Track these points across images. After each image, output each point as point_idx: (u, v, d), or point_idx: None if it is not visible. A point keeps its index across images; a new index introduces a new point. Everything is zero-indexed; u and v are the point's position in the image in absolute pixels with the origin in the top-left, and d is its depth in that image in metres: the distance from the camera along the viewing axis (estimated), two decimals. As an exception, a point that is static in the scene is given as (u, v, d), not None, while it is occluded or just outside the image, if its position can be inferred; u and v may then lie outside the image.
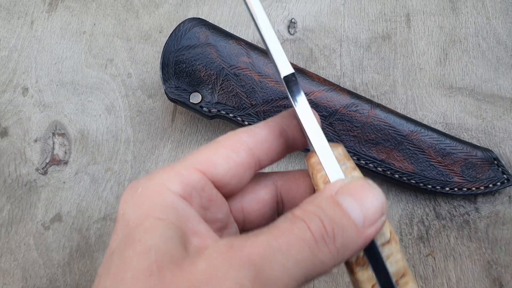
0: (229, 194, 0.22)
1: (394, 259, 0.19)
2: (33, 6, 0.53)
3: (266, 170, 0.25)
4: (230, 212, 0.23)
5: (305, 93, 0.40)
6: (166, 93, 0.41)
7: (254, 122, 0.41)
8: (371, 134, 0.40)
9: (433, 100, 0.45)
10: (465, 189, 0.40)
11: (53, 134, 0.47)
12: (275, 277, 0.16)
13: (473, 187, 0.40)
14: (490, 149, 0.41)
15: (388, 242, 0.19)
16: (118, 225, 0.19)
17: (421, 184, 0.40)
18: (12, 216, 0.44)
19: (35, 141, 0.47)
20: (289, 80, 0.21)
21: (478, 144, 0.42)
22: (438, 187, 0.40)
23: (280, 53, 0.21)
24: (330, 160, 0.20)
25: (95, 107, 0.48)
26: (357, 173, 0.20)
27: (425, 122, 0.43)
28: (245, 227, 0.24)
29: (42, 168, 0.46)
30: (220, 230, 0.22)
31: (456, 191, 0.40)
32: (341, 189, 0.18)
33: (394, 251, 0.19)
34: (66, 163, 0.46)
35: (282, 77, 0.21)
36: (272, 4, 0.50)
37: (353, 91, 0.43)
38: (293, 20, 0.49)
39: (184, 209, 0.19)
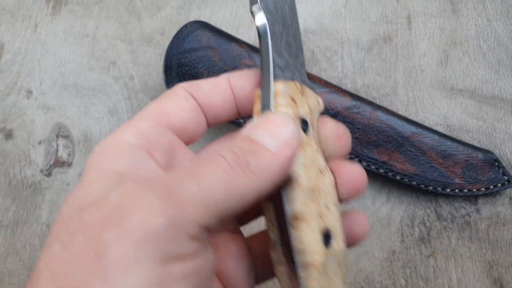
0: (190, 140, 0.23)
1: (291, 198, 0.20)
2: (37, 9, 0.53)
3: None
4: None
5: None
6: (168, 95, 0.41)
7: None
8: (373, 136, 0.40)
9: (434, 101, 0.45)
10: (466, 190, 0.40)
11: (57, 136, 0.47)
12: (189, 197, 0.17)
13: (474, 188, 0.40)
14: (491, 150, 0.41)
15: (289, 182, 0.20)
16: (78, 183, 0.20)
17: (422, 186, 0.40)
18: (17, 217, 0.44)
19: (39, 143, 0.47)
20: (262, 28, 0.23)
21: (479, 146, 0.42)
22: (439, 189, 0.40)
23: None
24: (266, 94, 0.21)
25: (98, 109, 0.48)
26: (285, 108, 0.21)
27: (426, 124, 0.44)
28: None
29: (46, 170, 0.46)
30: None
31: (457, 192, 0.40)
32: (254, 126, 0.20)
33: (293, 191, 0.20)
34: (70, 165, 0.46)
35: (256, 25, 0.23)
36: (274, 6, 0.50)
37: (355, 93, 0.43)
38: (294, 22, 0.49)
39: (137, 156, 0.20)
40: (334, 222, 0.21)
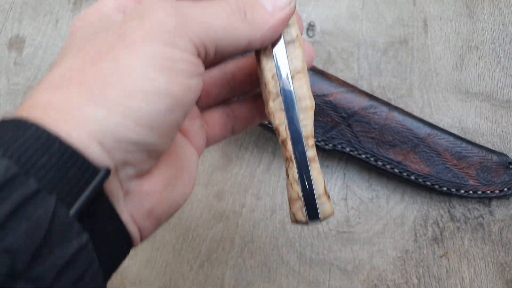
0: None
1: (295, 55, 0.23)
2: (58, 5, 0.54)
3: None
4: None
5: (324, 94, 0.41)
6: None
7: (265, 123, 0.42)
8: (389, 136, 0.41)
9: (449, 104, 0.46)
10: (480, 192, 0.41)
11: (76, 129, 0.48)
12: (196, 17, 0.20)
13: (488, 190, 0.41)
14: (505, 153, 0.42)
15: (293, 42, 0.23)
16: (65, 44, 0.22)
17: (437, 186, 0.41)
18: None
19: (58, 136, 0.48)
20: None
21: (493, 149, 0.43)
22: (453, 190, 0.41)
23: None
24: None
25: (117, 104, 0.49)
26: None
27: (440, 126, 0.44)
28: None
29: (65, 162, 0.47)
30: None
31: (471, 194, 0.41)
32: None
33: (296, 49, 0.23)
34: (88, 158, 0.47)
35: None
36: (292, 7, 0.51)
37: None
38: (311, 23, 0.50)
39: (117, 17, 0.22)
40: None
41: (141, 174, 0.20)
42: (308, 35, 0.50)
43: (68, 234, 0.16)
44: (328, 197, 0.23)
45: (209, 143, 0.28)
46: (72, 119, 0.17)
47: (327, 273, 0.41)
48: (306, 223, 0.23)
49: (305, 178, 0.23)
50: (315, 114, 0.41)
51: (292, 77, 0.23)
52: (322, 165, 0.45)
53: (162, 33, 0.19)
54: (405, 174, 0.41)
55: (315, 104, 0.41)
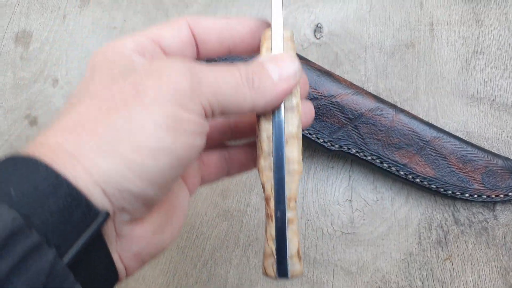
0: None
1: (291, 121, 0.24)
2: (66, 0, 0.54)
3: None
4: None
5: (331, 95, 0.41)
6: (196, 89, 0.42)
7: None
8: (395, 138, 0.41)
9: (454, 108, 0.46)
10: (484, 196, 0.41)
11: (81, 125, 0.48)
12: (207, 81, 0.21)
13: (493, 194, 0.41)
14: (510, 158, 0.42)
15: (292, 109, 0.24)
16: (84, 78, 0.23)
17: (441, 189, 0.41)
18: (39, 202, 0.45)
19: (63, 131, 0.48)
20: None
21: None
22: (458, 193, 0.41)
23: None
24: (278, 37, 0.25)
25: (123, 100, 0.49)
26: (292, 52, 0.25)
27: (446, 130, 0.44)
28: None
29: (69, 158, 0.47)
30: None
31: (475, 197, 0.41)
32: (269, 58, 0.24)
33: (294, 116, 0.24)
34: (92, 154, 0.47)
35: None
36: (299, 8, 0.51)
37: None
38: (319, 25, 0.50)
39: (137, 58, 0.23)
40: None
41: (135, 220, 0.22)
42: (315, 36, 0.50)
43: (62, 285, 0.17)
44: (300, 258, 0.24)
45: (203, 182, 0.29)
46: (81, 165, 0.18)
47: (331, 274, 0.41)
48: (275, 278, 0.24)
49: (281, 237, 0.24)
50: (323, 115, 0.41)
51: (285, 141, 0.24)
52: (327, 166, 0.45)
53: (176, 95, 0.20)
54: (410, 176, 0.41)
55: (322, 105, 0.41)
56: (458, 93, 0.46)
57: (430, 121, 0.45)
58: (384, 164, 0.41)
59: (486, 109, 0.45)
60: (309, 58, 0.46)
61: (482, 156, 0.41)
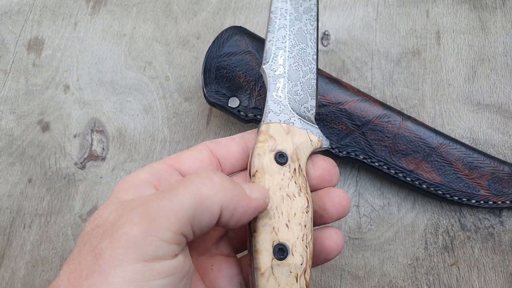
0: None
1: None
2: (77, 8, 0.55)
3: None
4: None
5: (339, 102, 0.42)
6: (206, 96, 0.43)
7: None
8: (402, 145, 0.42)
9: (460, 115, 0.46)
10: (491, 202, 0.41)
11: (92, 130, 0.49)
12: (161, 211, 0.22)
13: (499, 201, 0.41)
14: (516, 165, 0.42)
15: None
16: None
17: (448, 196, 0.41)
18: (51, 206, 0.46)
19: (75, 136, 0.49)
20: None
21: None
22: (465, 199, 0.41)
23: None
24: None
25: (133, 106, 0.50)
26: (260, 144, 0.28)
27: (452, 136, 0.45)
28: None
29: (81, 163, 0.48)
30: None
31: (482, 204, 0.41)
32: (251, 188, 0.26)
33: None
34: (103, 159, 0.48)
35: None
36: (307, 16, 0.52)
37: (384, 103, 0.45)
38: (326, 33, 0.51)
39: (145, 188, 0.25)
40: (292, 239, 0.26)
41: None
42: (322, 44, 0.51)
43: None
44: None
45: None
46: None
47: (338, 278, 0.41)
48: None
49: None
50: (331, 122, 0.42)
51: (252, 235, 0.27)
52: (334, 172, 0.45)
53: (133, 250, 0.20)
54: (417, 182, 0.42)
55: (330, 111, 0.42)
56: (464, 100, 0.47)
57: (436, 128, 0.45)
58: (391, 170, 0.42)
59: (492, 116, 0.46)
60: (316, 65, 0.47)
61: (489, 162, 0.42)
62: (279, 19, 0.33)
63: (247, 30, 0.45)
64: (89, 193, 0.46)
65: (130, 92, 0.50)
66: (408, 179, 0.42)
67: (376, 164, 0.42)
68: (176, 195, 0.22)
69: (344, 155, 0.42)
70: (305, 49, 0.33)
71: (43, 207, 0.46)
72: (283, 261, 0.26)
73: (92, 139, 0.49)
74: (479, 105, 0.46)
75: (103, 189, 0.46)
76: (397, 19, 0.51)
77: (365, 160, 0.42)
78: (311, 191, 0.29)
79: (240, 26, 0.45)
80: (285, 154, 0.28)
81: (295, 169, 0.28)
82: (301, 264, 0.26)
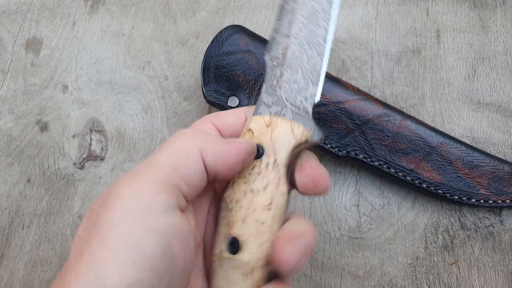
0: (194, 190, 0.27)
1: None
2: (75, 8, 0.55)
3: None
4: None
5: (339, 101, 0.42)
6: (205, 96, 0.43)
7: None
8: (402, 144, 0.42)
9: (460, 114, 0.46)
10: (491, 201, 0.41)
11: (91, 130, 0.49)
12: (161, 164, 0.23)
13: (499, 200, 0.41)
14: (516, 163, 0.42)
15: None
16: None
17: (448, 195, 0.41)
18: (50, 207, 0.45)
19: (73, 136, 0.49)
20: None
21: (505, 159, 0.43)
22: (465, 198, 0.41)
23: None
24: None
25: (132, 106, 0.49)
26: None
27: (452, 135, 0.45)
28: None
29: (79, 163, 0.47)
30: None
31: (482, 203, 0.41)
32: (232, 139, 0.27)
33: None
34: (102, 159, 0.47)
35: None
36: (306, 15, 0.52)
37: (384, 102, 0.45)
38: (326, 31, 0.51)
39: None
40: (245, 235, 0.25)
41: None
42: (322, 42, 0.50)
43: None
44: None
45: None
46: None
47: (338, 278, 0.41)
48: None
49: None
50: (330, 121, 0.42)
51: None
52: (334, 171, 0.45)
53: (123, 208, 0.21)
54: (417, 182, 0.42)
55: (330, 111, 0.42)
56: (464, 99, 0.47)
57: (436, 127, 0.45)
58: (391, 170, 0.42)
59: (492, 114, 0.46)
60: (316, 64, 0.47)
61: (489, 161, 0.42)
62: (289, 4, 0.31)
63: (247, 29, 0.44)
64: (88, 193, 0.46)
65: (129, 92, 0.50)
66: (408, 178, 0.42)
67: (376, 163, 0.42)
68: (154, 154, 0.24)
69: (344, 154, 0.42)
70: (315, 30, 0.31)
71: (42, 208, 0.46)
72: (233, 256, 0.25)
73: (91, 139, 0.48)
74: (479, 104, 0.46)
75: (102, 189, 0.46)
76: (397, 17, 0.51)
77: (365, 159, 0.42)
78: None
79: (239, 25, 0.44)
80: (261, 148, 0.27)
81: (267, 163, 0.27)
82: (248, 262, 0.25)
